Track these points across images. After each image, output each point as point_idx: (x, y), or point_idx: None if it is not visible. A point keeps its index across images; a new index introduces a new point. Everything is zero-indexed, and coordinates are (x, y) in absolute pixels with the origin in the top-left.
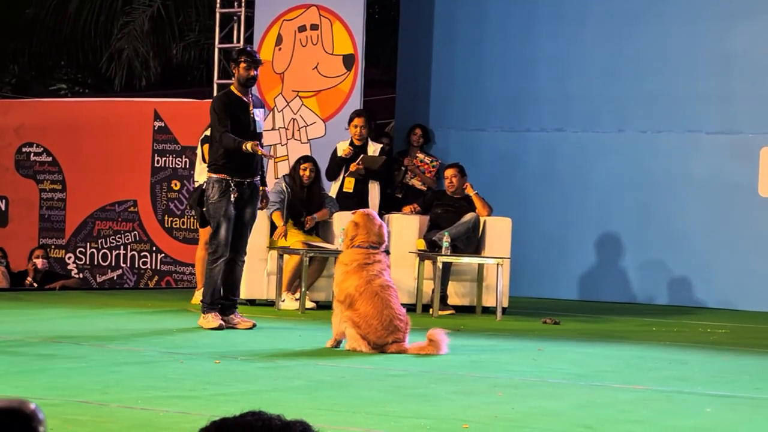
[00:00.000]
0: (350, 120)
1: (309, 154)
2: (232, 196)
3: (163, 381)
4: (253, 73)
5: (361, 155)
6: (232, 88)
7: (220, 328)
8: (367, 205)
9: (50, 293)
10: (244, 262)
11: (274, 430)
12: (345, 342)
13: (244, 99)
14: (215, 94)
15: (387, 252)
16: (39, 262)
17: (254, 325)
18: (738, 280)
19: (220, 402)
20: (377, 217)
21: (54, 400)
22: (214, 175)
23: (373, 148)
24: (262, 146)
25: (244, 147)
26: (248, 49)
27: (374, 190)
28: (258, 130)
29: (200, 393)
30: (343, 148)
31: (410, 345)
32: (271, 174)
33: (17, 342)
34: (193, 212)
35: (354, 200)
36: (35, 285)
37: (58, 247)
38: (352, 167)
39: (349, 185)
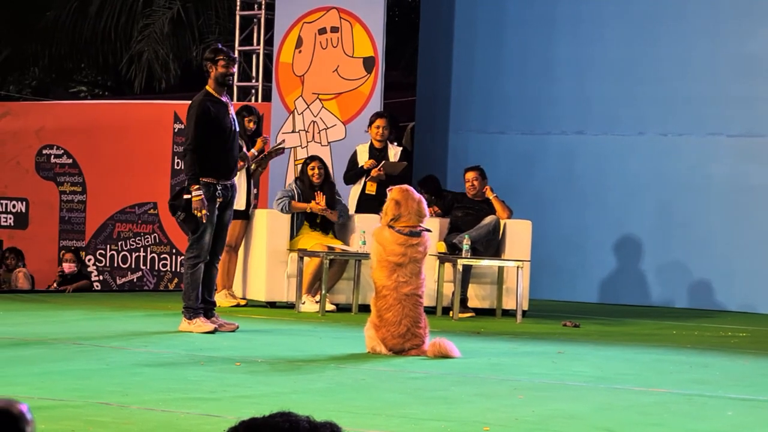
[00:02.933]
0: (371, 121)
1: (328, 156)
2: (218, 201)
3: (183, 383)
4: (231, 70)
5: (383, 161)
6: (208, 89)
7: (214, 331)
8: None
9: (70, 295)
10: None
11: None
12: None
13: (223, 99)
14: (235, 96)
15: (428, 230)
16: (67, 267)
17: (237, 327)
18: (759, 283)
19: (240, 404)
20: (415, 192)
21: (75, 402)
22: (201, 179)
23: (394, 152)
24: (239, 146)
25: (191, 188)
26: (223, 47)
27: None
28: (237, 129)
29: (221, 395)
30: (362, 152)
31: (428, 344)
32: (292, 177)
33: (38, 344)
34: (177, 217)
35: (376, 203)
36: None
37: (78, 249)
38: (373, 173)
39: (372, 189)
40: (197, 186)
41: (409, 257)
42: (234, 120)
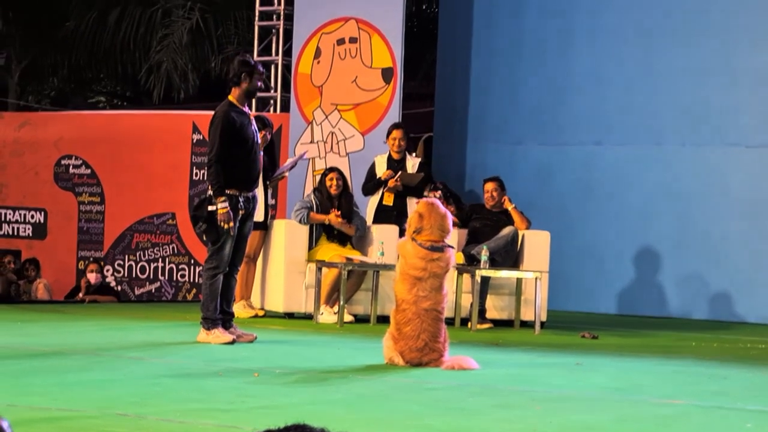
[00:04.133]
0: (388, 133)
1: (346, 167)
2: (240, 213)
3: (201, 393)
4: (261, 84)
5: (400, 172)
6: (232, 99)
7: (233, 342)
8: (405, 220)
9: (88, 306)
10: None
11: None
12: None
13: (245, 110)
14: (253, 107)
15: (451, 246)
16: (92, 277)
17: (255, 338)
18: None
19: (258, 415)
20: (441, 206)
21: (92, 413)
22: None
23: (412, 163)
24: (257, 156)
25: (216, 200)
26: (251, 60)
27: (413, 204)
28: (258, 140)
29: (239, 406)
30: (380, 163)
31: (444, 361)
32: (310, 188)
33: (56, 354)
34: (198, 227)
35: (393, 214)
36: (87, 300)
37: (97, 260)
38: (390, 183)
39: (389, 199)
40: (223, 198)
41: (429, 272)
42: (256, 131)
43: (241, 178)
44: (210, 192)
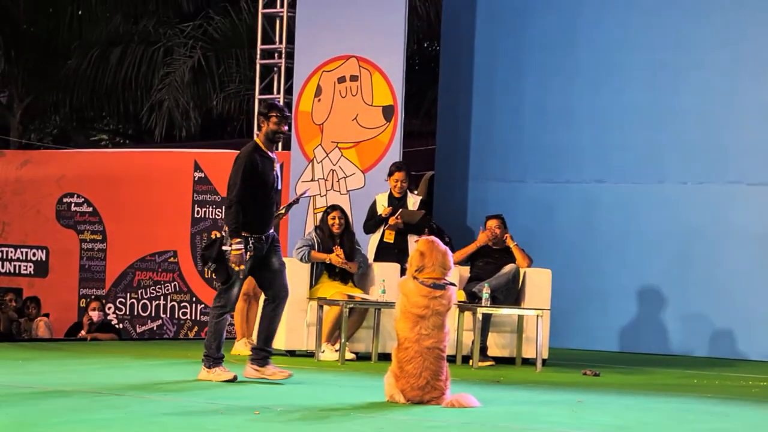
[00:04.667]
0: (390, 173)
1: (347, 204)
2: (248, 254)
3: (202, 431)
4: (283, 128)
5: (400, 210)
6: (258, 141)
7: (234, 379)
8: (406, 257)
9: (89, 344)
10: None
11: None
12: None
13: (270, 155)
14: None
15: (452, 284)
16: (95, 315)
17: (290, 375)
18: None
19: None
20: (441, 244)
21: None
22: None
23: (413, 201)
24: (278, 203)
25: (231, 241)
26: (278, 104)
27: (414, 242)
28: (278, 187)
29: None
30: (382, 204)
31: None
32: (311, 225)
33: (57, 393)
34: (208, 267)
35: (394, 252)
36: (88, 338)
37: (98, 297)
38: (391, 221)
39: (390, 237)
40: (238, 239)
41: (432, 310)
42: (277, 177)
43: (255, 220)
44: (224, 232)
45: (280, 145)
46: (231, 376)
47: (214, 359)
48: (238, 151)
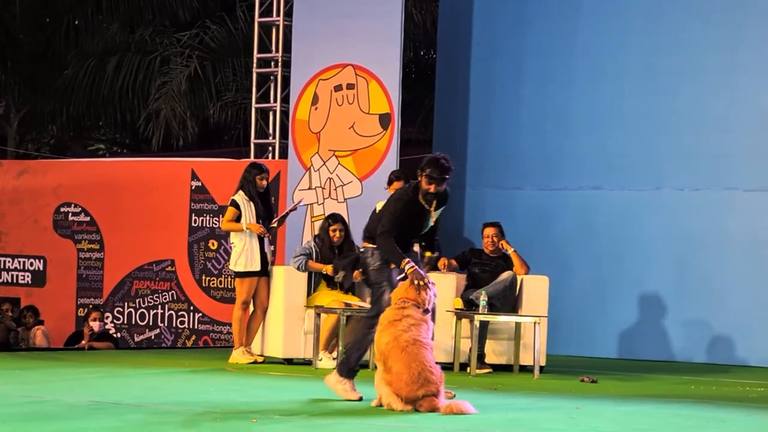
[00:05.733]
0: (390, 182)
1: (345, 213)
2: (392, 265)
3: None
4: (433, 189)
5: None
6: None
7: (360, 399)
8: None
9: (87, 353)
10: None
11: None
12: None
13: (427, 207)
14: (252, 153)
15: (426, 311)
16: (96, 325)
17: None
18: None
19: None
20: (430, 286)
21: None
22: (372, 245)
23: None
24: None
25: (401, 264)
26: (441, 160)
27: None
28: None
29: None
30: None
31: (442, 405)
32: (308, 234)
33: (54, 402)
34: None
35: None
36: (86, 347)
37: (97, 307)
38: None
39: None
40: (406, 260)
41: (403, 314)
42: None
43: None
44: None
45: (276, 153)
46: (357, 396)
47: (349, 369)
48: (235, 160)
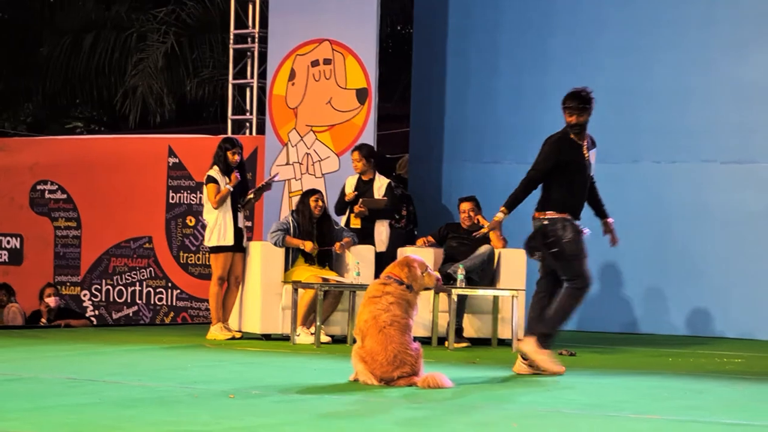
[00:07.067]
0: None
1: (322, 188)
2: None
3: (176, 416)
4: (575, 120)
5: (361, 199)
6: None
7: (561, 373)
8: (373, 242)
9: (64, 331)
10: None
11: None
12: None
13: (578, 141)
14: (229, 130)
15: (409, 287)
16: (51, 301)
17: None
18: (756, 309)
19: None
20: (416, 265)
21: None
22: (558, 215)
23: (378, 185)
24: (594, 180)
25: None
26: (578, 91)
27: (380, 227)
28: (591, 172)
29: (214, 427)
30: (350, 184)
31: (418, 379)
32: (286, 209)
33: (31, 379)
34: (536, 253)
35: (360, 237)
36: (62, 324)
37: (74, 285)
38: (356, 209)
39: (356, 222)
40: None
41: (384, 292)
42: (589, 164)
43: (575, 204)
44: (551, 215)
45: (254, 129)
46: (562, 370)
47: (552, 339)
48: (213, 136)
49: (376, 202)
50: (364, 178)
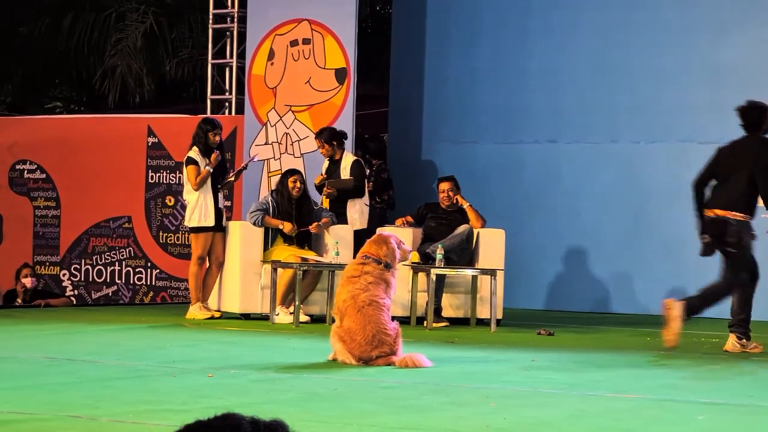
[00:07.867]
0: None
1: (301, 168)
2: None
3: (155, 395)
4: None
5: (327, 181)
6: None
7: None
8: (346, 221)
9: (43, 310)
10: None
11: None
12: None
13: None
14: (209, 109)
15: (387, 266)
16: (27, 281)
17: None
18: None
19: (211, 415)
20: (392, 241)
21: (44, 415)
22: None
23: (345, 164)
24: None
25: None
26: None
27: (353, 206)
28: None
29: (192, 406)
30: (324, 164)
31: (397, 358)
32: (265, 189)
33: (9, 359)
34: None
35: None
36: (42, 304)
37: (53, 264)
38: (324, 191)
39: (326, 203)
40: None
41: (362, 271)
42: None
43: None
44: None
45: (233, 109)
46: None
47: (747, 329)
48: (192, 116)
49: (343, 182)
50: (336, 157)
